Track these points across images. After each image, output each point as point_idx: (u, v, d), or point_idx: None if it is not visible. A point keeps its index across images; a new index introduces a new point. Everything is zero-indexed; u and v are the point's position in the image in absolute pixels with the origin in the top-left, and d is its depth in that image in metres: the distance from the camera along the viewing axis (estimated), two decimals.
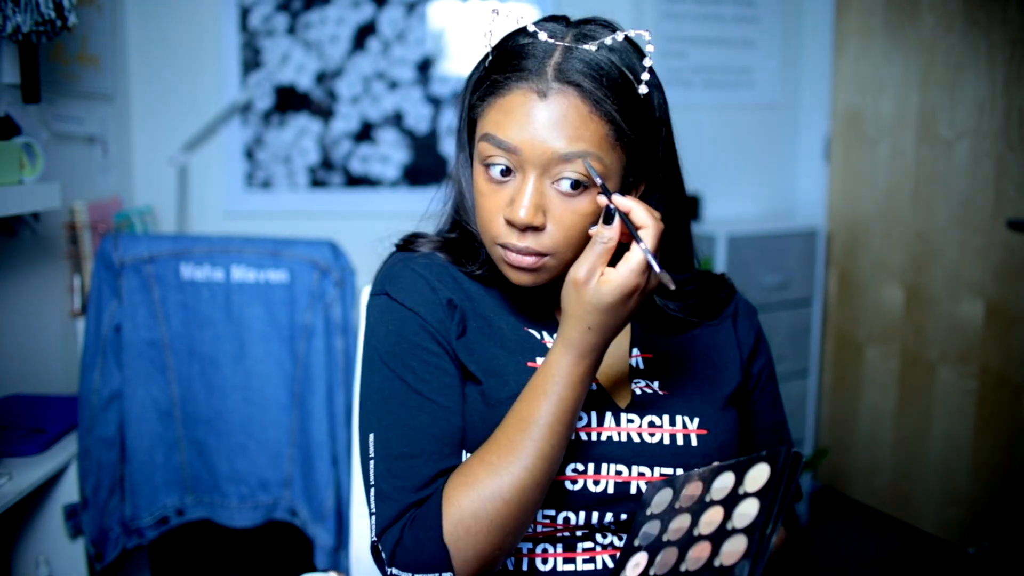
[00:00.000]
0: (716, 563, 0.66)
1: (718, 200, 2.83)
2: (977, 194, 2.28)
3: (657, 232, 0.73)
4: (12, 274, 1.71)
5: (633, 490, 0.83)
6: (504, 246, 0.81)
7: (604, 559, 0.85)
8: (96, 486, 1.70)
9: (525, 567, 0.85)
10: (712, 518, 0.71)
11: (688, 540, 0.71)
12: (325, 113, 2.49)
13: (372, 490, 0.81)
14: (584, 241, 0.80)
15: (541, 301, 0.91)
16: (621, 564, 0.75)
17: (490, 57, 0.84)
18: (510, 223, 0.80)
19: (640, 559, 0.74)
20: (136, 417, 1.76)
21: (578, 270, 0.74)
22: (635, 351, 0.91)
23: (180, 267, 1.78)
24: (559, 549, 0.85)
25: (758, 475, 0.70)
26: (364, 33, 2.47)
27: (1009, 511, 2.21)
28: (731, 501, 0.70)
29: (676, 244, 0.93)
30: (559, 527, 0.84)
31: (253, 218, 2.45)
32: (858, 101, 2.70)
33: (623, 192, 0.83)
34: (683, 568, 0.69)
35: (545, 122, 0.77)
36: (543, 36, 0.80)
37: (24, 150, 1.55)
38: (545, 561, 0.85)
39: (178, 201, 2.35)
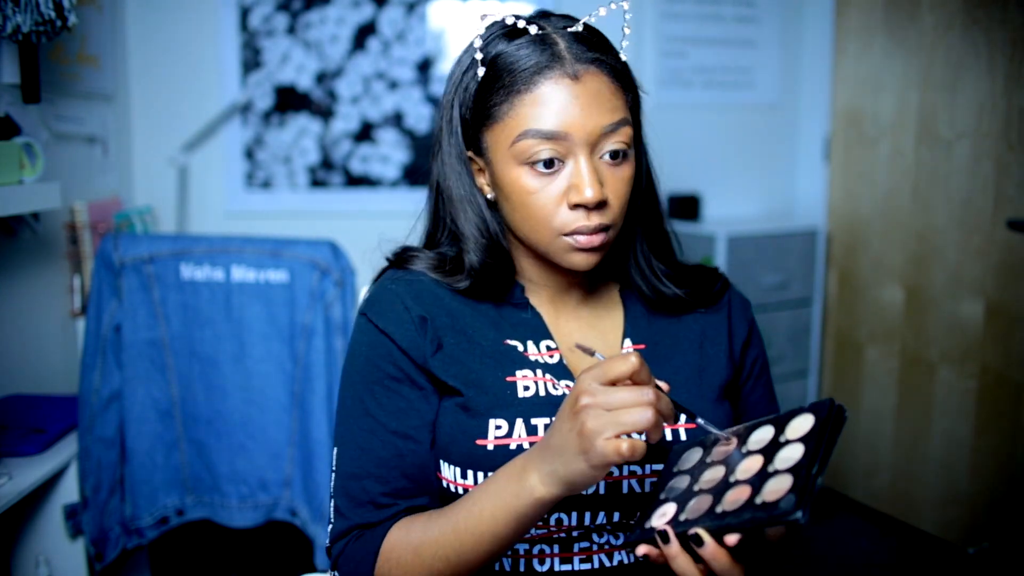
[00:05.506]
0: (758, 500, 0.65)
1: (718, 200, 2.83)
2: (977, 194, 2.28)
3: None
4: (12, 274, 1.72)
5: (624, 490, 0.83)
6: (575, 232, 0.82)
7: (601, 558, 0.85)
8: (96, 486, 1.70)
9: (522, 568, 0.85)
10: (750, 465, 0.70)
11: (723, 487, 0.70)
12: (325, 113, 2.49)
13: (332, 501, 0.88)
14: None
15: (522, 316, 0.90)
16: (646, 515, 0.74)
17: (482, 66, 0.83)
18: (579, 206, 0.81)
19: (668, 509, 0.73)
20: (136, 417, 1.76)
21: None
22: (627, 342, 0.91)
23: (180, 267, 1.78)
24: (555, 550, 0.85)
25: (801, 424, 0.70)
26: (364, 33, 2.48)
27: (1009, 511, 2.21)
28: (771, 449, 0.70)
29: (655, 233, 0.94)
30: (551, 528, 0.84)
31: (253, 218, 2.45)
32: (858, 101, 2.70)
33: None
34: (719, 510, 0.68)
35: (585, 101, 0.79)
36: (533, 29, 0.82)
37: (24, 150, 1.55)
38: (542, 562, 0.85)
39: (178, 201, 2.35)
